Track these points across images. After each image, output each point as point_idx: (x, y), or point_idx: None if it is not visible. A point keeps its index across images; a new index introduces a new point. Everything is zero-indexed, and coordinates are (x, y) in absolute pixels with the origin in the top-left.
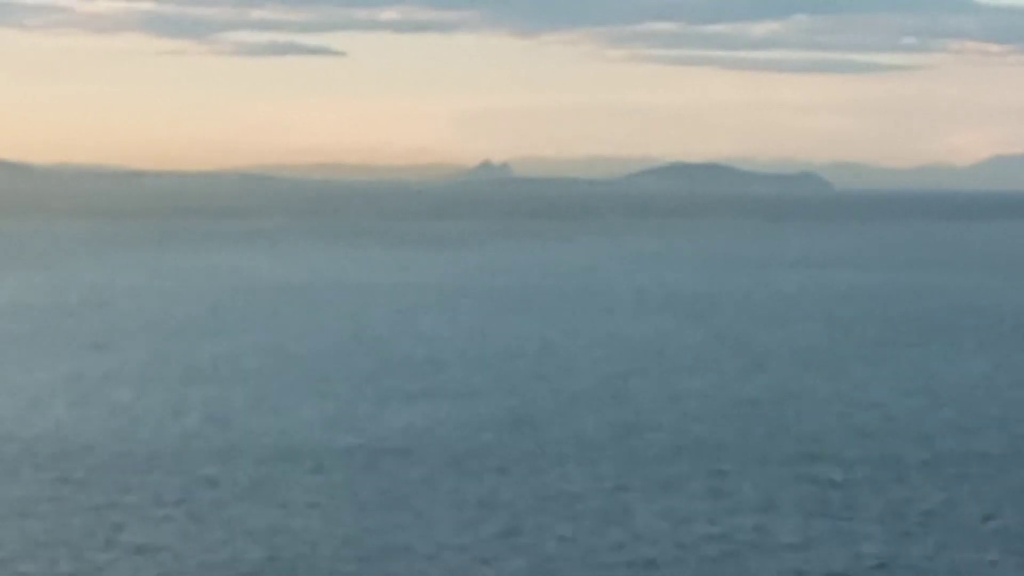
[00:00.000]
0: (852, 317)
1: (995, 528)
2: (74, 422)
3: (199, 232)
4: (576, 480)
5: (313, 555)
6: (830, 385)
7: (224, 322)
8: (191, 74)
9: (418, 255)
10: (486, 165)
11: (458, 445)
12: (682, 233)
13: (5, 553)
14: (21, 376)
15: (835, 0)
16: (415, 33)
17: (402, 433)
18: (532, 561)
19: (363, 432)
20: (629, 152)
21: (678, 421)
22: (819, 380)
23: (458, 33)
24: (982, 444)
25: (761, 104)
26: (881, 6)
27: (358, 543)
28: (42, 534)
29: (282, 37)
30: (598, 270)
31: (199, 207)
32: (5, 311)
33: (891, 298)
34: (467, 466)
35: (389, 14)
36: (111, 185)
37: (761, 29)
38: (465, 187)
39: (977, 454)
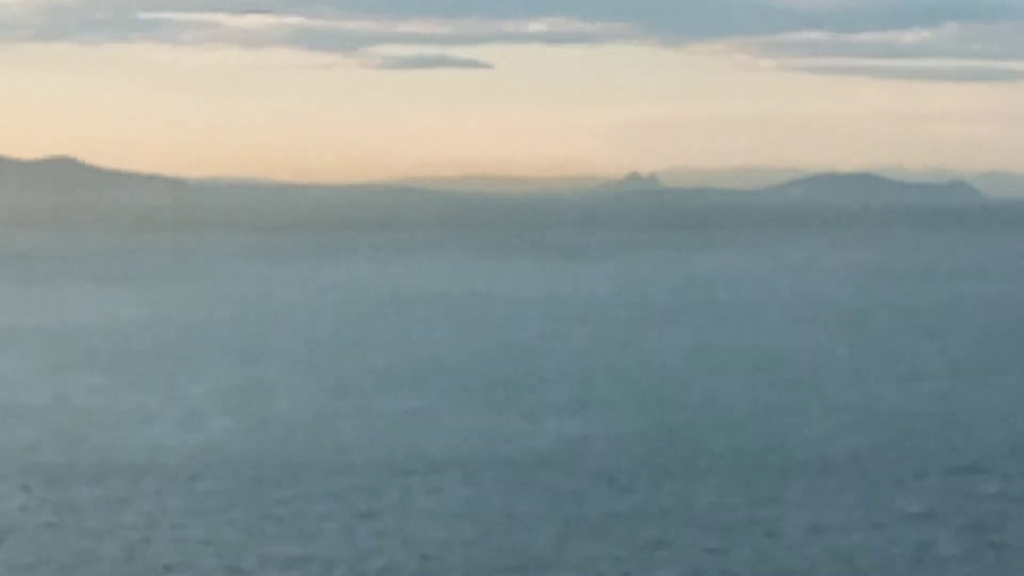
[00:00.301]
0: (1005, 328)
1: None
2: (227, 434)
3: (348, 245)
4: (727, 492)
5: (465, 566)
6: (985, 397)
7: (374, 334)
8: (340, 87)
9: (567, 267)
10: (634, 176)
11: (608, 458)
12: (832, 244)
13: (162, 562)
14: (175, 389)
15: (987, 8)
16: (564, 45)
17: (552, 445)
18: (681, 573)
19: (513, 444)
20: (778, 162)
21: (830, 433)
22: (973, 392)
23: (607, 44)
24: None
25: (911, 113)
26: None
27: (509, 554)
28: (196, 545)
29: (430, 50)
30: (747, 282)
31: (348, 220)
32: (159, 323)
33: None
34: (617, 479)
35: (537, 26)
36: (261, 198)
37: (912, 37)
38: (613, 198)
39: None
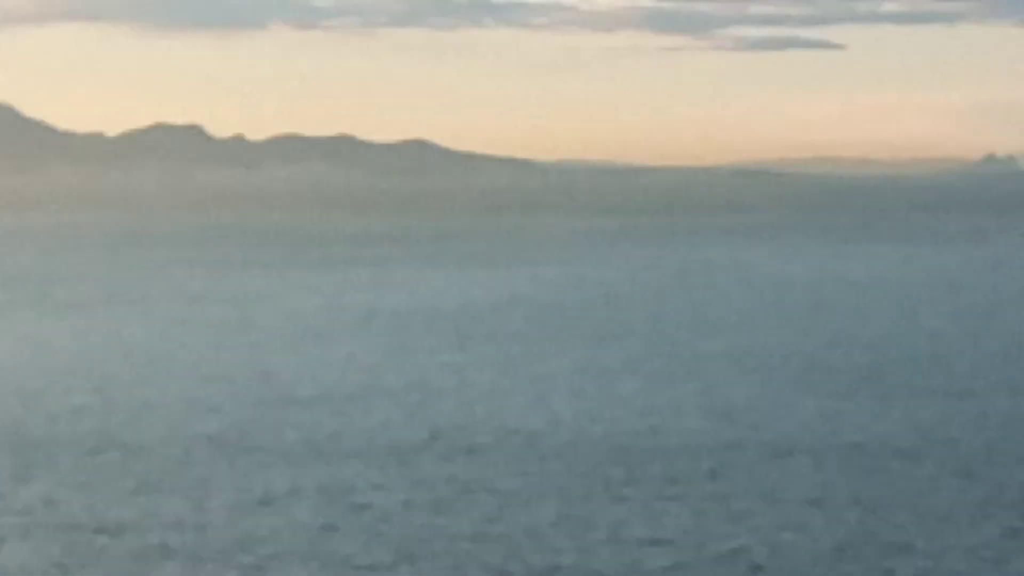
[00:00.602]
0: None
1: None
2: (575, 415)
3: (699, 227)
4: None
5: (814, 551)
6: None
7: (724, 317)
8: (690, 70)
9: (920, 251)
10: (991, 158)
11: (963, 445)
12: None
13: (510, 543)
14: (528, 369)
15: None
16: (917, 25)
17: (905, 432)
18: None
19: (865, 430)
20: None
21: None
22: None
23: (962, 24)
24: None
25: None
26: None
27: (859, 541)
28: (546, 526)
29: (782, 31)
30: None
31: (698, 202)
32: (511, 306)
33: None
34: (973, 466)
35: (891, 6)
36: (613, 181)
37: None
38: (969, 181)
39: None
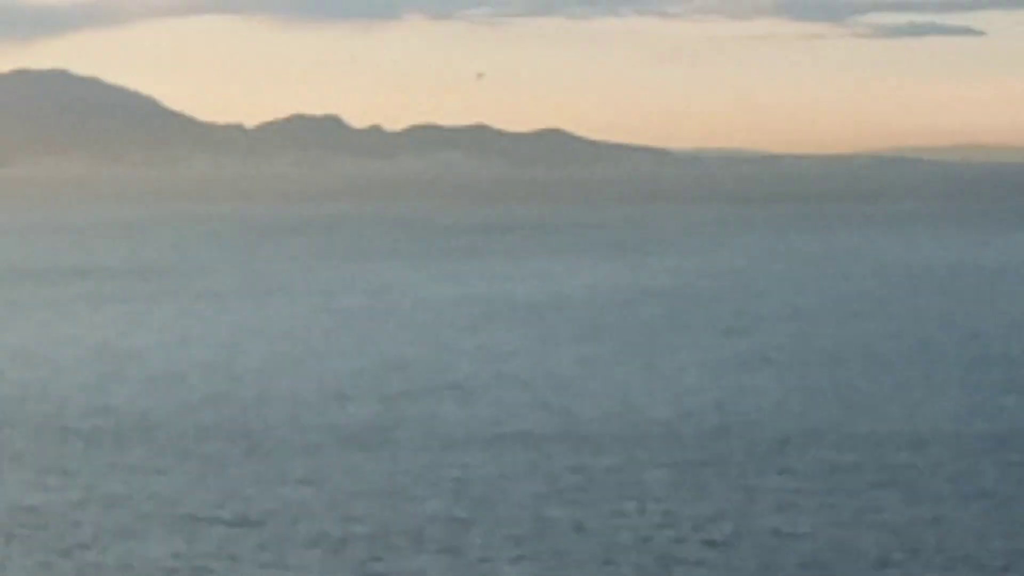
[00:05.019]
0: None
1: None
2: (711, 406)
3: (835, 215)
4: None
5: (944, 546)
6: None
7: (859, 306)
8: (829, 57)
9: None
10: None
11: None
12: None
13: (641, 534)
14: (661, 360)
15: None
16: None
17: None
18: None
19: (1002, 422)
20: None
21: None
22: None
23: None
24: None
25: None
26: None
27: (992, 535)
28: (680, 519)
29: (921, 18)
30: None
31: (836, 190)
32: (645, 296)
33: None
34: None
35: None
36: (749, 169)
37: None
38: None
39: None
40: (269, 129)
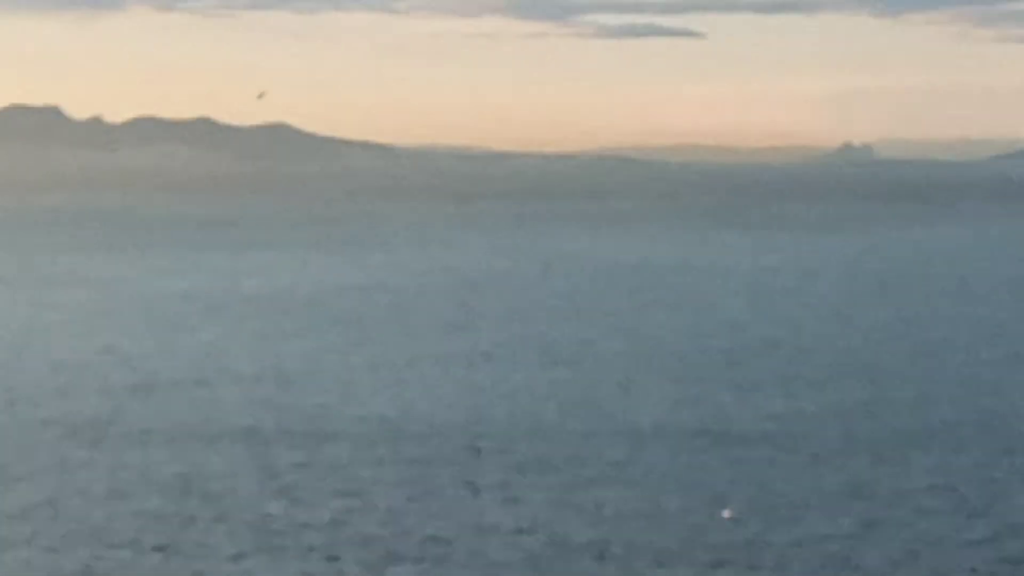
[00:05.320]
0: None
1: None
2: (432, 402)
3: (559, 214)
4: (941, 471)
5: (660, 538)
6: None
7: (582, 304)
8: (552, 57)
9: (778, 238)
10: (848, 147)
11: (817, 433)
12: None
13: (364, 531)
14: (383, 355)
15: None
16: (776, 14)
17: (759, 419)
18: (894, 555)
19: (718, 417)
20: (995, 134)
21: None
22: None
23: (820, 13)
24: None
25: None
26: None
27: (705, 528)
28: (399, 513)
29: (642, 19)
30: (962, 255)
31: (560, 189)
32: (367, 290)
33: None
34: (827, 455)
35: None
36: (474, 167)
37: None
38: (826, 169)
39: None
40: None
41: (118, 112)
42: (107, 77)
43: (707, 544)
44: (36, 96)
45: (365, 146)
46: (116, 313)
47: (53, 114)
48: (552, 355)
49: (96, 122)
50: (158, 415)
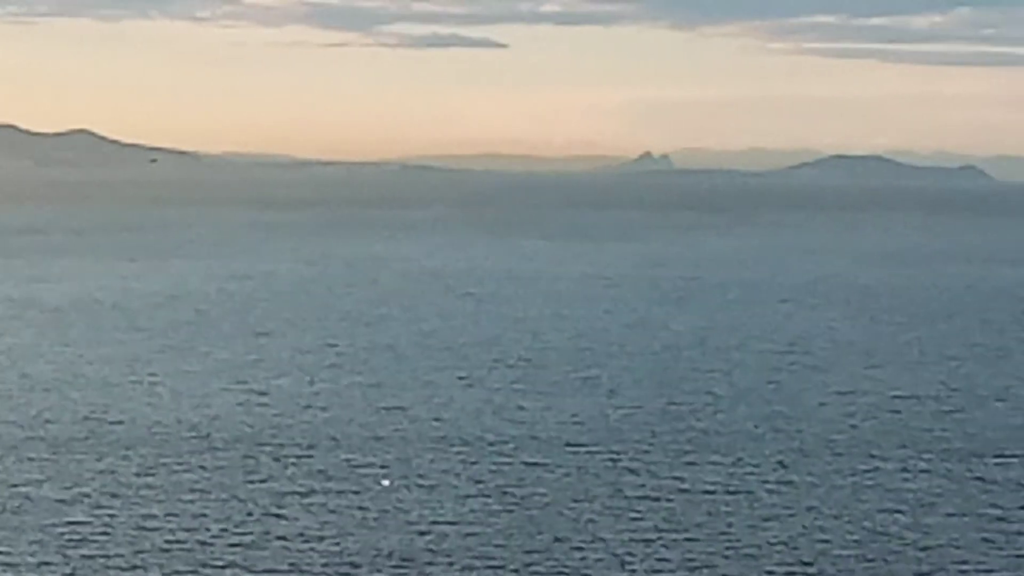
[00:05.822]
0: (1015, 312)
1: None
2: (232, 409)
3: (362, 221)
4: (734, 474)
5: (465, 544)
6: (993, 381)
7: (385, 311)
8: (355, 66)
9: (578, 246)
10: (647, 157)
11: (614, 438)
12: (842, 226)
13: (165, 538)
14: (184, 363)
15: None
16: (576, 25)
17: (558, 425)
18: (687, 554)
19: (519, 423)
20: (790, 144)
21: (838, 415)
22: (982, 376)
23: (619, 25)
24: None
25: (922, 97)
26: None
27: (514, 532)
28: (195, 518)
29: (444, 29)
30: (758, 263)
31: (363, 196)
32: (171, 298)
33: None
34: (622, 460)
35: (550, 6)
36: (276, 175)
37: (923, 22)
38: (626, 178)
39: None
40: None
41: None
42: None
43: (513, 547)
44: None
45: (168, 153)
46: None
47: None
48: (359, 361)
49: None
50: None
